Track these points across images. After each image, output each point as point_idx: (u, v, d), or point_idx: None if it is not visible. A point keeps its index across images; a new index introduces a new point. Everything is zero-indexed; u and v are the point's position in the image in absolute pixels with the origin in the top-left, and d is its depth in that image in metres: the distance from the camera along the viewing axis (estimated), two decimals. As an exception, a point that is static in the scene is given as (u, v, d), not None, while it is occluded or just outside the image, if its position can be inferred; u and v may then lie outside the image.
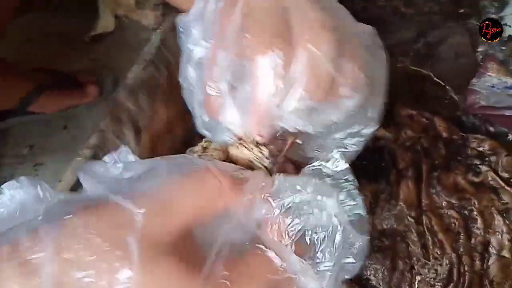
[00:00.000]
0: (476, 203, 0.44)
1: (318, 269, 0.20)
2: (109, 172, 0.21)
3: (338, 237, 0.20)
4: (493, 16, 0.67)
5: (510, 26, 0.67)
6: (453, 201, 0.44)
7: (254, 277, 0.19)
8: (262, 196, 0.20)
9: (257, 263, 0.20)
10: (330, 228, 0.20)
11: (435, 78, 0.58)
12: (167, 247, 0.18)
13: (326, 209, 0.20)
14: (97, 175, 0.20)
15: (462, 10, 0.68)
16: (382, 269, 0.42)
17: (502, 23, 0.67)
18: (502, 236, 0.43)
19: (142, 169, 0.20)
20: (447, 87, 0.57)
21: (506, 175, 0.46)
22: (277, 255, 0.20)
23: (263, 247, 0.20)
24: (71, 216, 0.18)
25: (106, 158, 0.23)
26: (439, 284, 0.40)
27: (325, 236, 0.20)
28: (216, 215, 0.20)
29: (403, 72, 0.60)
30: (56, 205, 0.20)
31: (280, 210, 0.20)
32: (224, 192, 0.20)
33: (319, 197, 0.20)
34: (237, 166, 0.23)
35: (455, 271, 0.40)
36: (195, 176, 0.20)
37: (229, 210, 0.20)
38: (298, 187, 0.21)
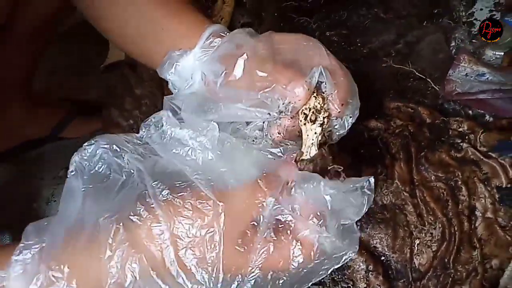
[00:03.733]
0: (459, 174, 0.51)
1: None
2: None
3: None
4: (463, 12, 0.75)
5: (480, 20, 0.75)
6: (440, 175, 0.51)
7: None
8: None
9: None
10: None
11: (417, 73, 0.67)
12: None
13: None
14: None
15: (435, 11, 0.76)
16: (386, 237, 0.49)
17: (472, 19, 0.76)
18: (485, 201, 0.50)
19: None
20: (428, 79, 0.65)
21: (484, 149, 0.53)
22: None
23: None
24: (169, 195, 0.30)
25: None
26: (435, 244, 0.48)
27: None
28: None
29: (388, 71, 0.68)
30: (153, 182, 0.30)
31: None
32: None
33: None
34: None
35: (447, 232, 0.48)
36: (253, 189, 0.31)
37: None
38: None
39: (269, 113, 0.37)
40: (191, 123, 0.39)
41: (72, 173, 0.35)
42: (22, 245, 0.31)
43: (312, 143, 0.34)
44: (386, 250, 0.49)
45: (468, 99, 0.60)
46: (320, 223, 0.31)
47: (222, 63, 0.39)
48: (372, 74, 0.69)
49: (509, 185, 0.51)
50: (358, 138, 0.56)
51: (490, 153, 0.53)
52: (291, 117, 0.37)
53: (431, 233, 0.48)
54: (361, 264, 0.48)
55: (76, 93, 0.85)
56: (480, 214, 0.50)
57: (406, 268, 0.48)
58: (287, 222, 0.30)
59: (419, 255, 0.48)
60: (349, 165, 0.56)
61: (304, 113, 0.35)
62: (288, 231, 0.30)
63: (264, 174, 0.32)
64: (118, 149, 0.36)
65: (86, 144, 0.36)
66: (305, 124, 0.35)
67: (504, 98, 0.59)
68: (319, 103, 0.34)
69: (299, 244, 0.30)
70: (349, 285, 0.48)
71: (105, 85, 0.86)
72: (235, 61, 0.39)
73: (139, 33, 0.46)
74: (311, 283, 0.32)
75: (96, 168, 0.35)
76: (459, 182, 0.51)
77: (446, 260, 0.47)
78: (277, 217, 0.30)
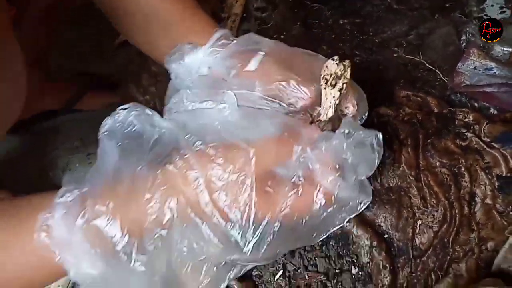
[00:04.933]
0: (463, 162, 0.54)
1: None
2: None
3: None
4: (474, 8, 0.77)
5: (490, 16, 0.77)
6: (445, 161, 0.54)
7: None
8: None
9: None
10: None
11: (427, 64, 0.69)
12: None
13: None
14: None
15: (447, 5, 0.78)
16: (390, 217, 0.52)
17: (483, 14, 0.78)
18: (485, 188, 0.53)
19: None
20: (437, 71, 0.67)
21: (487, 139, 0.56)
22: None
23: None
24: (204, 147, 0.32)
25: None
26: (436, 225, 0.51)
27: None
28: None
29: (399, 61, 0.70)
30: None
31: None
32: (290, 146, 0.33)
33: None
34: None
35: (448, 215, 0.51)
36: (280, 139, 0.34)
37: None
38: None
39: (279, 103, 0.40)
40: (206, 96, 0.41)
41: (105, 133, 0.37)
42: (64, 189, 0.33)
43: (330, 106, 0.37)
44: (390, 228, 0.52)
45: (475, 91, 0.62)
46: (340, 174, 0.34)
47: (237, 58, 0.42)
48: (383, 63, 0.72)
49: (508, 174, 0.54)
50: (368, 123, 0.59)
51: (493, 143, 0.56)
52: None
53: (433, 215, 0.51)
54: (365, 241, 0.51)
55: (89, 68, 0.86)
56: (480, 200, 0.53)
57: (408, 246, 0.51)
58: (313, 170, 0.33)
59: (420, 235, 0.51)
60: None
61: (326, 78, 0.37)
62: (315, 179, 0.33)
63: (290, 130, 0.35)
64: (150, 113, 0.38)
65: (120, 108, 0.38)
66: (325, 88, 0.37)
67: (509, 92, 0.61)
68: (340, 70, 0.37)
69: (322, 188, 0.33)
70: (353, 259, 0.51)
71: (121, 61, 0.87)
72: (249, 56, 0.41)
73: (148, 24, 0.47)
74: (329, 231, 0.35)
75: (130, 128, 0.37)
76: (462, 169, 0.54)
77: (445, 240, 0.50)
78: (304, 164, 0.33)
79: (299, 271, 0.52)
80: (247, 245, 0.31)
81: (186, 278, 0.32)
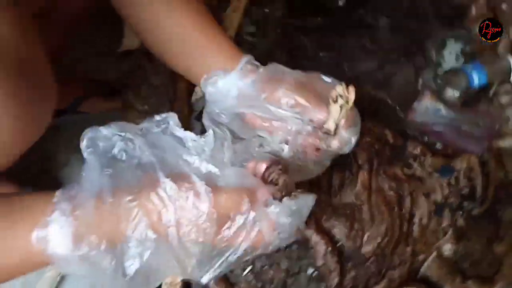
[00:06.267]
0: (407, 187, 0.66)
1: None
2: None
3: None
4: (434, 55, 0.90)
5: (447, 62, 0.90)
6: (393, 185, 0.65)
7: None
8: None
9: None
10: None
11: (388, 101, 0.80)
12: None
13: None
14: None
15: (412, 49, 0.90)
16: (344, 229, 0.63)
17: (441, 61, 0.90)
18: (423, 210, 0.65)
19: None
20: (396, 107, 0.79)
21: (429, 169, 0.68)
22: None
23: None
24: (177, 195, 0.41)
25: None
26: (379, 238, 0.62)
27: None
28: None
29: (366, 95, 0.82)
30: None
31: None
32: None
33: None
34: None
35: (390, 230, 0.62)
36: (241, 195, 0.42)
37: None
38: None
39: (302, 120, 0.52)
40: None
41: (89, 149, 0.43)
42: (58, 212, 0.38)
43: (332, 118, 0.50)
44: (343, 238, 0.63)
45: (425, 128, 0.74)
46: (280, 232, 0.43)
47: (266, 83, 0.54)
48: (352, 96, 0.83)
49: (443, 201, 0.66)
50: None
51: (433, 173, 0.67)
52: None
53: (378, 230, 0.62)
54: (322, 246, 0.61)
55: (94, 72, 0.94)
56: (418, 220, 0.64)
57: (355, 253, 0.62)
58: (261, 228, 0.42)
59: (366, 245, 0.62)
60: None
61: (332, 97, 0.50)
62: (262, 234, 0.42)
63: (249, 188, 0.44)
64: (131, 137, 0.44)
65: (101, 127, 0.43)
66: (330, 104, 0.50)
67: (452, 131, 0.74)
68: (343, 90, 0.50)
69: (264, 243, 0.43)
70: (311, 261, 0.62)
71: (123, 69, 0.96)
72: (277, 83, 0.53)
73: (182, 51, 0.57)
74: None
75: (113, 152, 0.44)
76: (406, 193, 0.65)
77: (385, 251, 0.61)
78: (255, 220, 0.42)
79: (265, 268, 0.62)
80: (201, 273, 0.42)
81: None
